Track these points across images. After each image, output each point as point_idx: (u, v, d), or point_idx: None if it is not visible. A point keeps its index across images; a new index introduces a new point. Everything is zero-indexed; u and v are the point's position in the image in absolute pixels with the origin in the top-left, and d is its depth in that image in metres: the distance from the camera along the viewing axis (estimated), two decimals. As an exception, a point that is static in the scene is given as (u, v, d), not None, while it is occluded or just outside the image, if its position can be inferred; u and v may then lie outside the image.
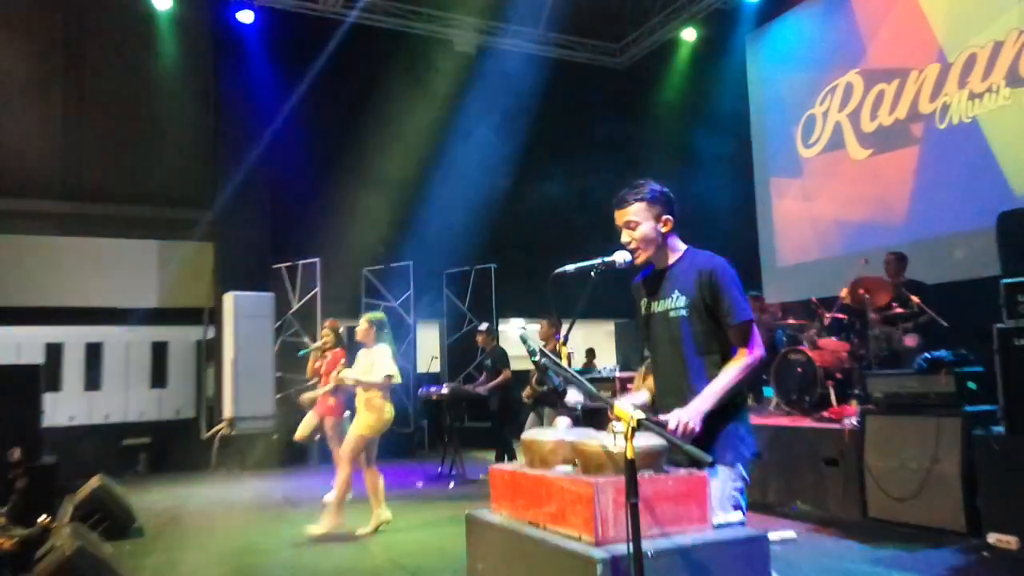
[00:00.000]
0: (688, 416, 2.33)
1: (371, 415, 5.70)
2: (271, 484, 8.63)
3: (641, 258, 2.60)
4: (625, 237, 2.61)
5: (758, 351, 2.48)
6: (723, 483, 2.45)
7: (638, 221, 2.57)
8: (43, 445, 6.77)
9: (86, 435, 10.89)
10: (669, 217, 2.59)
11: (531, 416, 7.50)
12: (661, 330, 2.63)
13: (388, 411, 5.79)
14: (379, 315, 6.15)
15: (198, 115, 11.95)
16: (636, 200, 2.57)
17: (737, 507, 2.46)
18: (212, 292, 11.67)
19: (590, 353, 13.25)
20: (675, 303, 2.56)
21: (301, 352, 8.04)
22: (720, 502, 2.42)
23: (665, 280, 2.62)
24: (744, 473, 2.50)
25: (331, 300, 10.98)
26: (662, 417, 2.37)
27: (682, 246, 2.65)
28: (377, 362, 5.77)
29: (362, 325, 6.02)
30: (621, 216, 2.60)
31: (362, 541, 5.63)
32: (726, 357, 2.51)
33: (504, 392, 8.59)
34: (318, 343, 7.44)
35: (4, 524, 4.69)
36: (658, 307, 2.64)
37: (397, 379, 5.82)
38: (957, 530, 4.86)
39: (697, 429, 2.33)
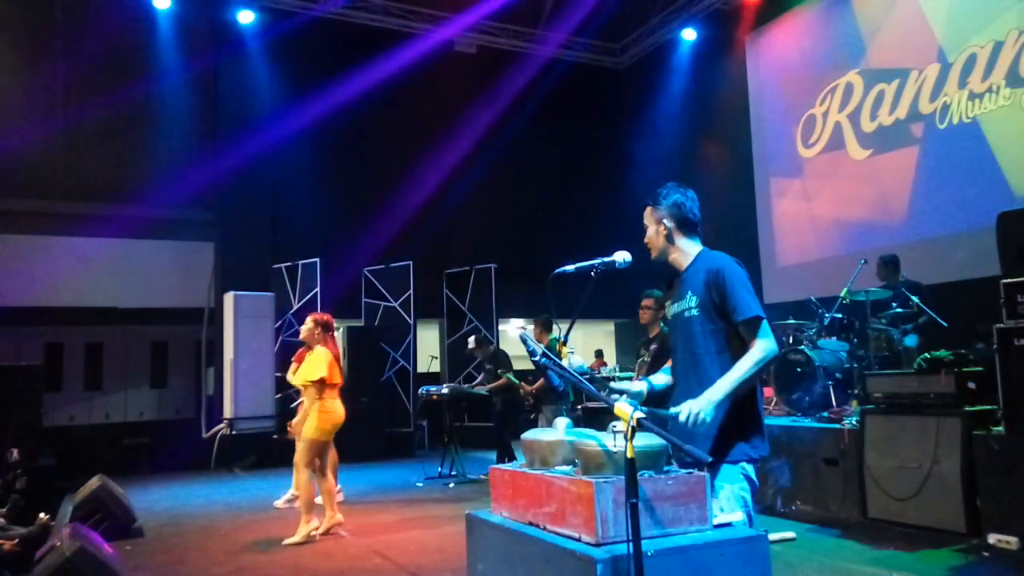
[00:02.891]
0: (699, 406, 2.33)
1: (321, 417, 5.65)
2: (271, 484, 8.63)
3: (653, 256, 2.76)
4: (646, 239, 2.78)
5: (769, 346, 2.47)
6: (729, 483, 2.46)
7: (646, 225, 2.73)
8: (43, 445, 6.78)
9: (86, 435, 10.90)
10: (667, 224, 2.68)
11: (541, 416, 7.47)
12: (678, 331, 2.69)
13: (338, 413, 5.75)
14: (324, 316, 6.05)
15: (198, 115, 11.95)
16: (646, 204, 2.74)
17: (744, 508, 2.46)
18: (212, 292, 11.68)
19: (599, 354, 13.23)
20: (688, 303, 2.62)
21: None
22: (726, 502, 2.43)
23: (681, 282, 2.69)
24: (752, 474, 2.51)
25: (331, 300, 10.98)
26: (673, 409, 2.39)
27: (695, 249, 2.70)
28: (315, 364, 5.72)
29: (307, 324, 5.92)
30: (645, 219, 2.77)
31: (362, 541, 5.63)
32: (739, 357, 2.50)
33: (508, 394, 8.58)
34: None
35: (4, 524, 4.69)
36: (676, 309, 2.70)
37: (334, 379, 5.74)
38: (957, 530, 4.85)
39: (708, 419, 2.32)
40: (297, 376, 5.95)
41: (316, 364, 5.73)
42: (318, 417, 5.65)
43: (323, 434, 5.69)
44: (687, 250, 2.69)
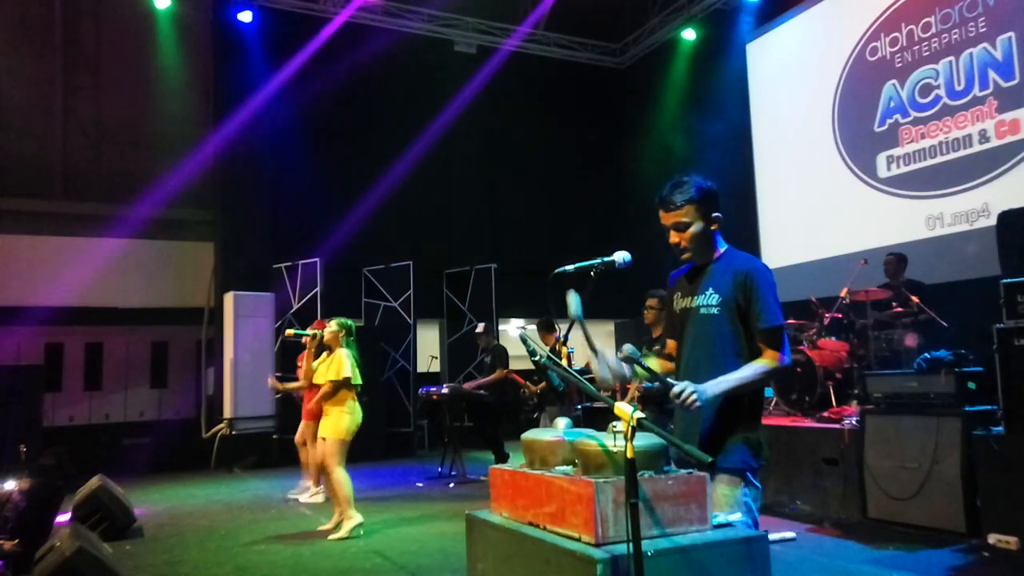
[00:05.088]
0: (694, 389, 2.25)
1: (345, 418, 5.74)
2: (271, 484, 8.63)
3: (687, 256, 2.57)
4: (674, 238, 2.55)
5: (785, 358, 2.43)
6: (733, 487, 2.44)
7: (689, 222, 2.51)
8: (43, 445, 6.77)
9: (86, 435, 10.88)
10: (719, 215, 2.55)
11: (545, 414, 7.47)
12: (691, 326, 2.57)
13: (357, 412, 5.84)
14: (348, 321, 6.14)
15: (198, 115, 11.95)
16: (686, 201, 2.50)
17: (749, 513, 2.43)
18: (212, 292, 11.67)
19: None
20: (708, 300, 2.52)
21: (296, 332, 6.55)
22: (731, 506, 2.40)
23: (702, 277, 2.57)
24: (754, 479, 2.48)
25: (331, 300, 10.98)
26: (670, 380, 2.34)
27: (723, 245, 2.59)
28: (333, 365, 5.83)
29: (331, 327, 6.03)
30: (670, 217, 2.53)
31: (362, 541, 5.63)
32: (752, 360, 2.46)
33: (501, 389, 8.56)
34: (309, 332, 6.48)
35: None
36: (690, 303, 2.58)
37: (356, 380, 5.84)
38: (957, 530, 4.86)
39: (699, 405, 2.26)
40: (320, 375, 5.97)
41: (341, 364, 5.80)
42: (343, 417, 5.73)
43: (348, 434, 5.77)
44: (718, 245, 2.58)
